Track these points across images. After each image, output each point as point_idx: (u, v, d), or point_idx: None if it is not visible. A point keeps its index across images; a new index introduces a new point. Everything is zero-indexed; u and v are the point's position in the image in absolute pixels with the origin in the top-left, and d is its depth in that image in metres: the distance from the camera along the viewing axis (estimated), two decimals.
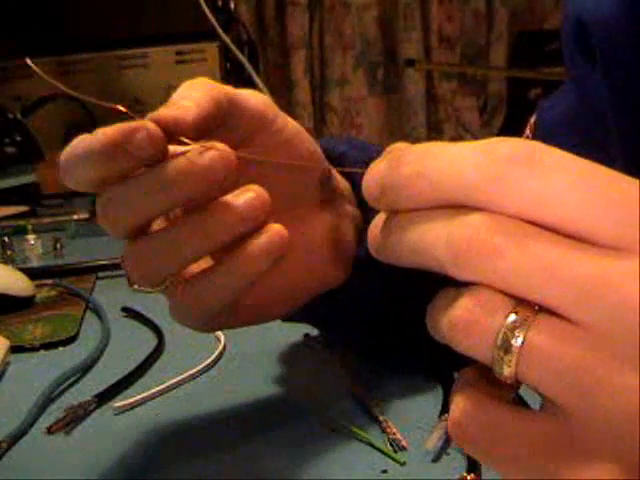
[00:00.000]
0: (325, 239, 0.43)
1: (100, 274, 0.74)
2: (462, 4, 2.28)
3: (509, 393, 0.23)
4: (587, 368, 0.21)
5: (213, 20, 1.17)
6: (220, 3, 1.32)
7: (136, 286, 0.39)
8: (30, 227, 0.90)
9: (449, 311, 0.23)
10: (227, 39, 1.16)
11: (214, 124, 0.35)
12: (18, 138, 1.15)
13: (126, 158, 0.32)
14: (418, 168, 0.23)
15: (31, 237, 0.85)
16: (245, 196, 0.35)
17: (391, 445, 0.40)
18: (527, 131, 0.53)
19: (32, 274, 0.70)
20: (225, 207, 0.34)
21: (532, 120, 0.53)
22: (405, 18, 2.25)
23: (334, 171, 0.43)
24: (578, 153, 0.23)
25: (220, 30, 1.16)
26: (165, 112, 0.34)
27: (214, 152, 0.33)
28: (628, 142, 0.46)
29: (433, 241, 0.23)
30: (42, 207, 1.10)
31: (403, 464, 0.39)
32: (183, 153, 0.33)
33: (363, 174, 0.45)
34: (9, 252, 0.83)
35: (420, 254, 0.24)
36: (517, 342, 0.21)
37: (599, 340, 0.21)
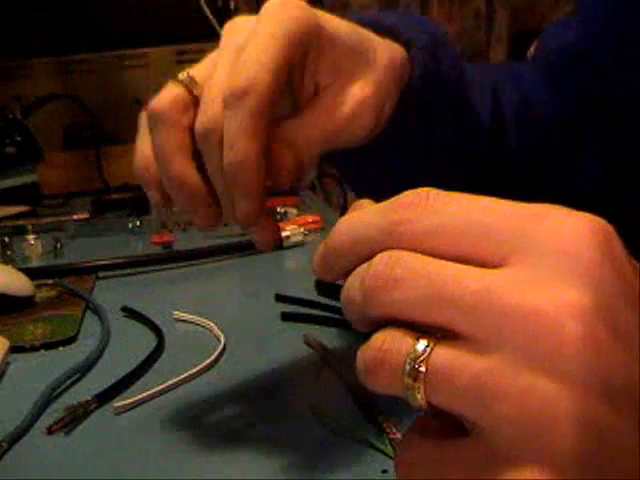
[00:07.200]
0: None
1: (100, 274, 0.74)
2: (462, 4, 2.27)
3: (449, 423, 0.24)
4: (484, 380, 0.22)
5: (213, 20, 1.17)
6: (220, 3, 1.31)
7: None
8: (30, 227, 0.90)
9: (362, 354, 0.25)
10: None
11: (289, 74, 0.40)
12: (18, 138, 1.15)
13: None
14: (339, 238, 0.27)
15: (31, 237, 0.85)
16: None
17: (391, 445, 0.40)
18: (532, 50, 0.54)
19: (32, 274, 0.70)
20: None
21: (536, 44, 0.55)
22: None
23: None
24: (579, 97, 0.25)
25: (220, 30, 1.16)
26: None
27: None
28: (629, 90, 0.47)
29: (353, 290, 0.26)
30: (42, 207, 1.10)
31: None
32: None
33: (424, 33, 0.49)
34: (9, 252, 0.83)
35: (345, 304, 0.26)
36: (422, 368, 0.23)
37: (490, 350, 0.22)
